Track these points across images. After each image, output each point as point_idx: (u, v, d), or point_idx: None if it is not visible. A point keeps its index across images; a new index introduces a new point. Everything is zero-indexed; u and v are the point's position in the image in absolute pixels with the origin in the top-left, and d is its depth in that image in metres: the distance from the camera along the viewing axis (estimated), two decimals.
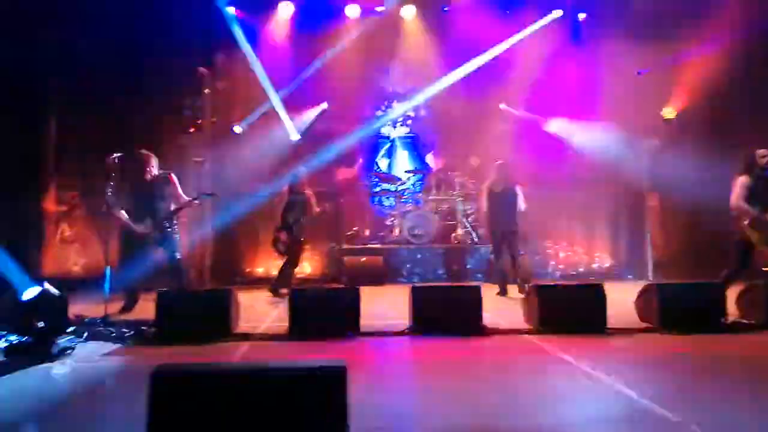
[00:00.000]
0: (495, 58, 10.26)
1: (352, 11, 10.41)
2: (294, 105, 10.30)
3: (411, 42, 10.71)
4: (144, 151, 6.56)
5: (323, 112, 10.59)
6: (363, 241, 10.21)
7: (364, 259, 9.48)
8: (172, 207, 6.48)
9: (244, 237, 10.09)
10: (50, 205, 9.38)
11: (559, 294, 5.39)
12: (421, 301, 5.23)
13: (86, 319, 5.35)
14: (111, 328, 5.14)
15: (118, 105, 9.03)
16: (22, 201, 8.40)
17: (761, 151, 6.19)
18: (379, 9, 10.16)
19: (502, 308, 6.58)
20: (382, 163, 11.27)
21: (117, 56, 8.58)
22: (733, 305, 5.40)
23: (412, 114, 11.24)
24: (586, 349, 4.47)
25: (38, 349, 4.34)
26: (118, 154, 5.90)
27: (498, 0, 10.32)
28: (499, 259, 7.86)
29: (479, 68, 10.25)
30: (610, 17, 9.89)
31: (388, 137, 11.29)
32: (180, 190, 6.53)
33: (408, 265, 9.70)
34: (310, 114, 10.56)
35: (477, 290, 5.31)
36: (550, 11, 10.29)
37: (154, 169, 6.53)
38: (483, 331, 5.08)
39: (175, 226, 6.55)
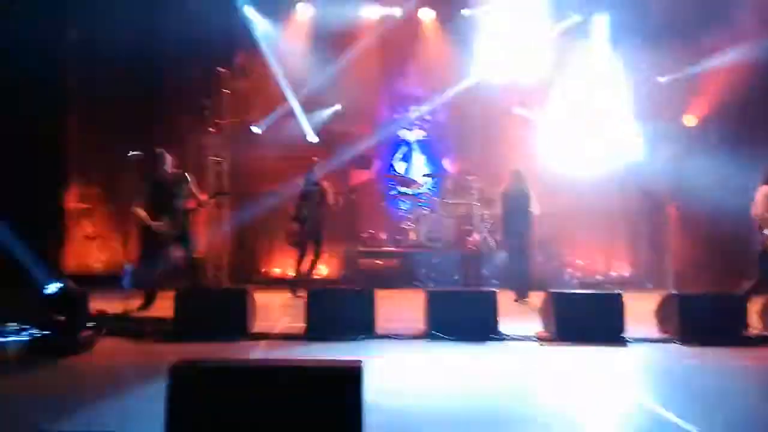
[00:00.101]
0: (514, 63, 10.21)
1: (370, 13, 10.42)
2: (312, 106, 10.35)
3: (429, 45, 10.70)
4: (160, 150, 6.60)
5: (339, 113, 10.61)
6: (379, 244, 10.20)
7: (380, 261, 9.46)
8: (190, 205, 6.54)
9: (261, 237, 10.14)
10: (72, 202, 9.52)
11: (577, 302, 5.34)
12: (437, 305, 5.22)
13: (107, 315, 5.41)
14: (130, 324, 5.20)
15: (139, 104, 9.14)
16: (44, 198, 8.52)
17: None
18: (397, 12, 10.18)
19: (519, 315, 6.52)
20: (399, 166, 11.25)
21: (138, 56, 8.67)
22: (755, 317, 5.30)
23: (429, 117, 11.21)
24: (603, 359, 4.42)
25: (60, 343, 4.40)
26: (138, 153, 5.95)
27: (518, 5, 10.27)
28: (514, 264, 7.80)
29: (497, 72, 10.20)
30: (631, 22, 9.79)
31: (405, 140, 11.28)
32: (196, 189, 6.59)
33: (423, 270, 9.64)
34: (326, 115, 10.60)
35: (493, 296, 5.28)
36: (569, 16, 10.22)
37: (169, 167, 6.60)
38: (499, 337, 5.05)
39: (192, 225, 6.60)
